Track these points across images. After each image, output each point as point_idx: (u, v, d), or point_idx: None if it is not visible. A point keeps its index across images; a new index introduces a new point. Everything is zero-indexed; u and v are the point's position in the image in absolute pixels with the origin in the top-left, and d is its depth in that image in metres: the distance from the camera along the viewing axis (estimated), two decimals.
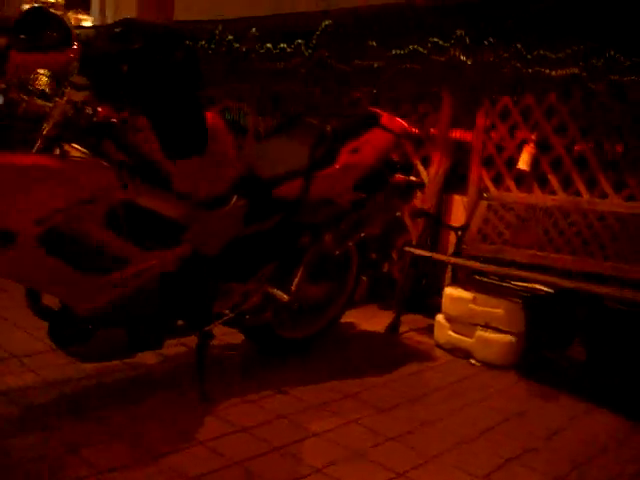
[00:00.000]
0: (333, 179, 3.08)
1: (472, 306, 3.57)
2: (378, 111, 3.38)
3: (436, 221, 4.24)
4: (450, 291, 3.72)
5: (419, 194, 4.51)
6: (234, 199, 2.82)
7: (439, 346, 3.76)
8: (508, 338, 3.48)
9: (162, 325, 2.79)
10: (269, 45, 5.68)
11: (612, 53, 3.80)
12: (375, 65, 4.97)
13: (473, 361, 3.55)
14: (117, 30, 2.45)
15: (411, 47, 4.71)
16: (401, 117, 4.68)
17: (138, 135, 2.37)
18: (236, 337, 3.42)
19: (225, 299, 2.97)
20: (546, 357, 3.35)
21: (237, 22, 5.93)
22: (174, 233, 2.63)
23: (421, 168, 4.62)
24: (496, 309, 3.51)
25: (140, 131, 2.36)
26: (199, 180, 2.62)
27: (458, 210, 4.46)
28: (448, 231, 4.36)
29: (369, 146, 3.19)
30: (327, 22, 5.22)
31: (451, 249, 4.23)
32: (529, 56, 4.20)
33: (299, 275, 3.12)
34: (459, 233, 4.16)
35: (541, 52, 4.18)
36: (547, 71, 4.12)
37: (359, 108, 4.43)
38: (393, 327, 3.96)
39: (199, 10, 6.51)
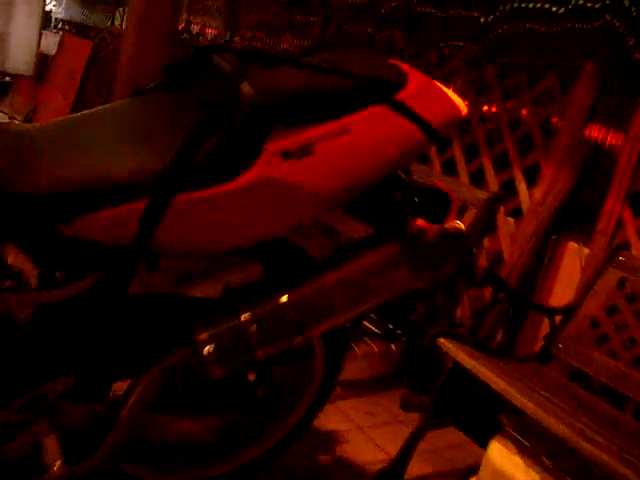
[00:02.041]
0: (244, 206, 1.30)
1: None
2: (405, 68, 1.54)
3: (513, 296, 2.34)
4: (497, 451, 1.86)
5: (503, 232, 2.65)
6: None
7: None
8: None
9: None
10: None
11: None
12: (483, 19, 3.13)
13: None
14: None
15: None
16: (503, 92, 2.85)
17: None
18: None
19: None
20: None
21: None
22: None
23: (522, 186, 2.71)
24: None
25: None
26: None
27: (570, 267, 2.55)
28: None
29: (351, 144, 1.37)
30: None
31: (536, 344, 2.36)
32: None
33: (130, 404, 1.39)
34: (556, 320, 2.27)
35: None
36: None
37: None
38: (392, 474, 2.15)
39: None
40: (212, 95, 1.32)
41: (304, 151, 1.31)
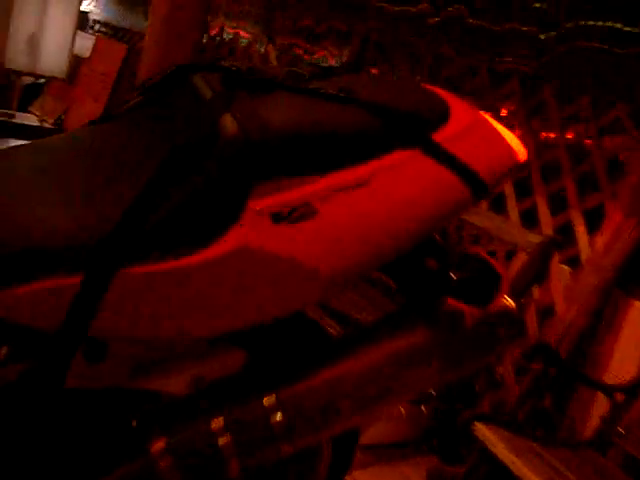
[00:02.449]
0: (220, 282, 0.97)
1: None
2: (447, 98, 1.17)
3: (567, 372, 1.98)
4: None
5: (556, 283, 2.28)
6: None
7: None
8: None
9: None
10: None
11: None
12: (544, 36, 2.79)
13: None
14: None
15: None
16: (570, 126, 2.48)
17: None
18: None
19: None
20: None
21: None
22: None
23: (582, 231, 2.34)
24: None
25: None
26: None
27: (635, 330, 2.17)
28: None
29: (369, 202, 1.03)
30: None
31: (593, 425, 1.98)
32: None
33: None
34: (617, 398, 1.91)
35: None
36: None
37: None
38: None
39: None
40: (185, 131, 1.00)
41: (302, 212, 0.97)
